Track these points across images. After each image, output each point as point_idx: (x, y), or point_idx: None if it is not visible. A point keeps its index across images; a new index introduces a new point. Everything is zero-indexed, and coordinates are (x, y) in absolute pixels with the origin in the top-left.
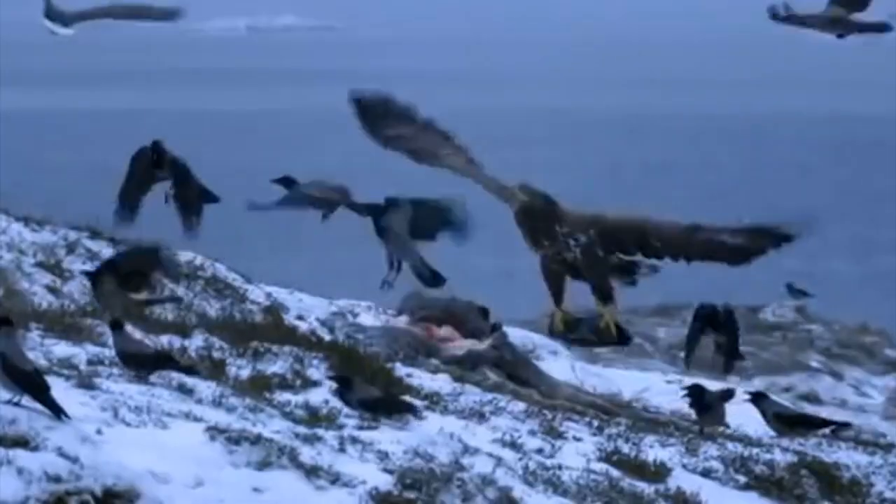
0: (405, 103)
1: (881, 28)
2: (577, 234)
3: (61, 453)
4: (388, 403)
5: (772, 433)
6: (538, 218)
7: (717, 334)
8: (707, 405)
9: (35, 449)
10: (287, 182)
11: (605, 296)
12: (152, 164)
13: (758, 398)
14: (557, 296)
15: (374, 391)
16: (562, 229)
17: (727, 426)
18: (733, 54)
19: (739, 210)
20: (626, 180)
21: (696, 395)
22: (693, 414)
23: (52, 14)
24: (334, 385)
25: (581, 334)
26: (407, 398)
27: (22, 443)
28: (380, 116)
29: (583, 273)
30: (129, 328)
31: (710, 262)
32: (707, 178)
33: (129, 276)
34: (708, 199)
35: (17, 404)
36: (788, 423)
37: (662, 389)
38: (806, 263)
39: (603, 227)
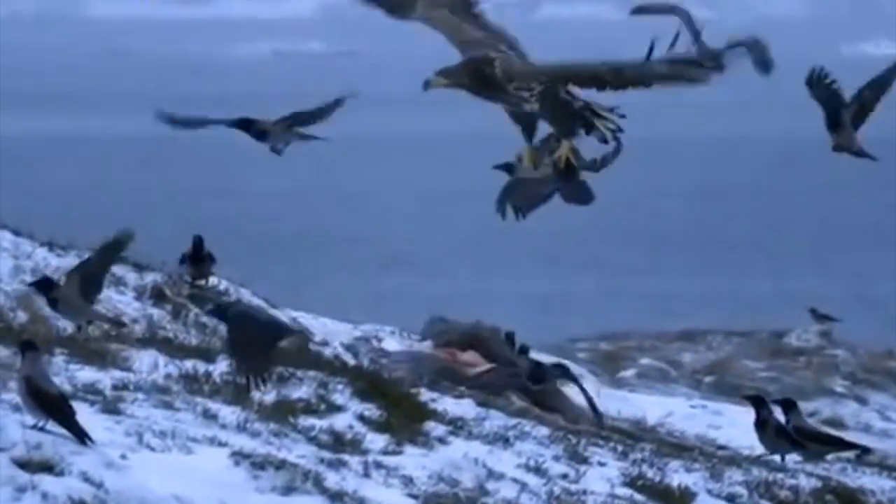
0: None
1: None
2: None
3: (86, 478)
4: None
5: (796, 458)
6: (485, 79)
7: None
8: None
9: (60, 474)
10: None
11: (564, 130)
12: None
13: (787, 405)
14: (528, 132)
15: None
16: (511, 86)
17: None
18: (761, 78)
19: (781, 229)
20: (659, 206)
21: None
22: (718, 439)
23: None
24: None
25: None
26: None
27: (47, 468)
28: None
29: (547, 118)
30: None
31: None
32: (758, 200)
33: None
34: (754, 221)
35: (41, 429)
36: (806, 437)
37: (686, 414)
38: (835, 287)
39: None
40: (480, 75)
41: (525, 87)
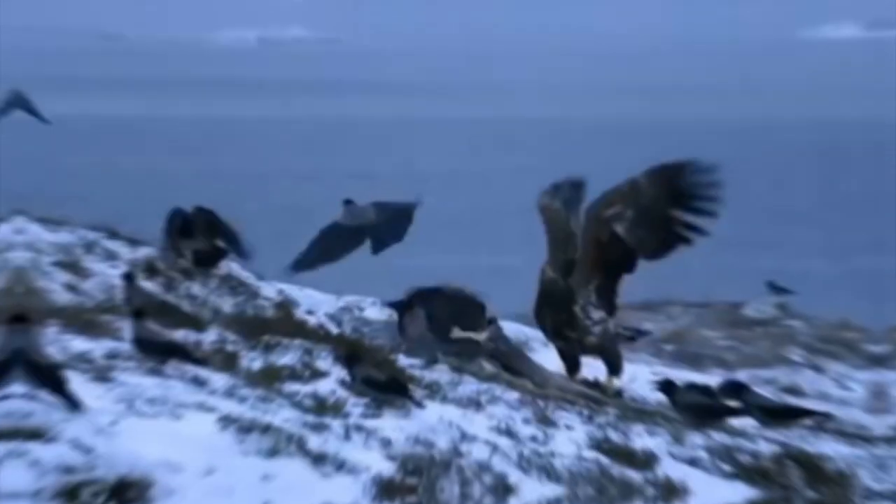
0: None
1: None
2: (589, 305)
3: (76, 445)
4: (392, 384)
5: (755, 423)
6: (559, 305)
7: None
8: (674, 402)
9: (50, 441)
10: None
11: (615, 369)
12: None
13: (738, 388)
14: (573, 369)
15: (379, 373)
16: (579, 305)
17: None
18: (722, 61)
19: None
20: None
21: (666, 389)
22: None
23: None
24: (341, 363)
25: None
26: (410, 387)
27: (37, 435)
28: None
29: (600, 353)
30: (148, 319)
31: None
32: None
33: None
34: None
35: (33, 398)
36: (772, 413)
37: (648, 380)
38: (784, 263)
39: (591, 259)
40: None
41: (587, 312)
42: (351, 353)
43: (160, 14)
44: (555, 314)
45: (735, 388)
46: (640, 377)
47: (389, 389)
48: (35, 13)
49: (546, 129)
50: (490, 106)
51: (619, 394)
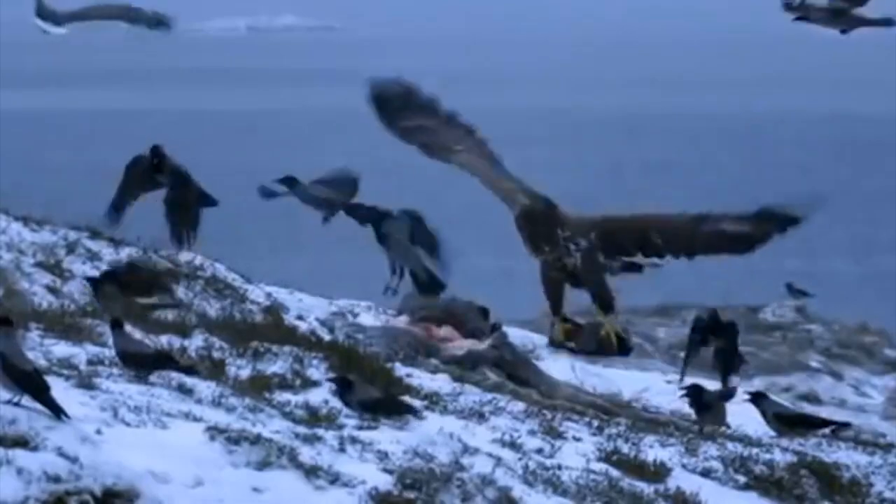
0: (427, 95)
1: (885, 23)
2: (578, 238)
3: (61, 453)
4: (388, 404)
5: (771, 433)
6: (539, 222)
7: (717, 342)
8: (706, 405)
9: (35, 449)
10: (289, 182)
11: (605, 305)
12: (152, 168)
13: (757, 398)
14: (556, 304)
15: (374, 392)
16: (563, 233)
17: (728, 426)
18: (733, 54)
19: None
20: (626, 180)
21: (695, 394)
22: (693, 414)
23: (43, 13)
24: (334, 387)
25: (582, 345)
26: (407, 399)
27: (22, 443)
28: (397, 107)
29: (582, 280)
30: (128, 328)
31: (713, 254)
32: (706, 177)
33: (132, 283)
34: (707, 198)
35: (16, 404)
36: (788, 422)
37: (662, 389)
38: (805, 263)
39: (604, 230)
40: (543, 222)
41: (573, 240)
42: (341, 379)
43: (146, 4)
44: (533, 227)
45: (752, 398)
46: (654, 386)
47: (387, 410)
48: (16, 5)
49: (554, 120)
50: (494, 96)
51: (624, 343)
